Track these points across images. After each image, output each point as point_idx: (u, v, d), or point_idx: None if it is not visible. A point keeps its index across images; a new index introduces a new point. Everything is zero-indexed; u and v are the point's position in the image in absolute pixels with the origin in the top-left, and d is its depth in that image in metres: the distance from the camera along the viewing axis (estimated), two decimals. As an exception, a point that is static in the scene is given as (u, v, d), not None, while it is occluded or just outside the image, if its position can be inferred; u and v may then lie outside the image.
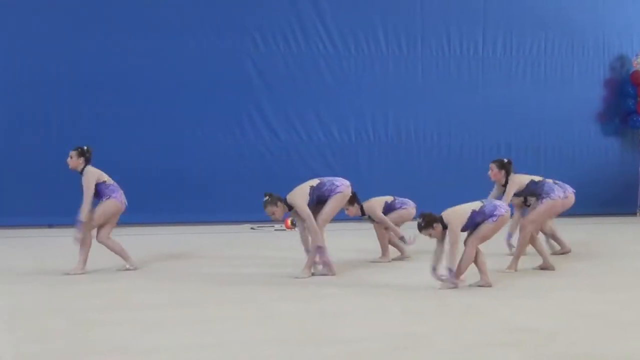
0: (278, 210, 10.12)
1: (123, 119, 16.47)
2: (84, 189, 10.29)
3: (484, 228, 9.31)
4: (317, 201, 10.30)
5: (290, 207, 10.17)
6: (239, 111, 17.14)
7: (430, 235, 9.22)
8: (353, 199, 11.13)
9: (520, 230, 10.80)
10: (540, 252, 10.96)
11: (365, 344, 6.86)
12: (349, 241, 13.96)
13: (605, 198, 18.69)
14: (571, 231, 15.76)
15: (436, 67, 18.04)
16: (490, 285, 9.35)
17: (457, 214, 9.26)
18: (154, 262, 11.66)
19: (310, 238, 10.33)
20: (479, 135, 18.10)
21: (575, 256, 12.43)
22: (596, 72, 18.97)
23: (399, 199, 11.72)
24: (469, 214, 9.24)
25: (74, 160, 10.42)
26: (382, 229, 11.57)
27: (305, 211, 10.06)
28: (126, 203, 10.61)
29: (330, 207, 10.26)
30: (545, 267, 10.82)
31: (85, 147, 10.51)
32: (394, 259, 11.59)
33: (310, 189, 10.32)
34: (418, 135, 18.00)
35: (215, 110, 17.09)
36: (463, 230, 9.34)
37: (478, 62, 18.25)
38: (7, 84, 16.08)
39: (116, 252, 10.76)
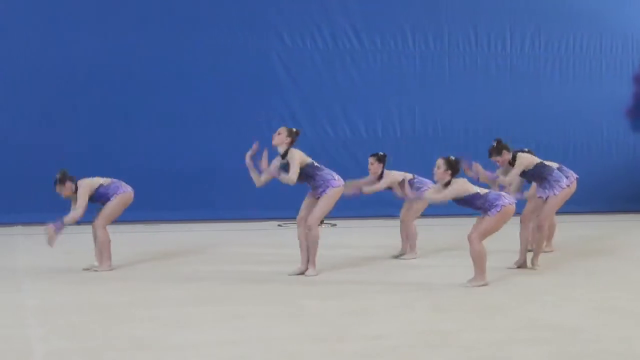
0: None
1: (152, 117, 16.61)
2: (80, 200, 10.43)
3: (486, 222, 9.22)
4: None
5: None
6: (266, 107, 17.20)
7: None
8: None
9: (539, 230, 10.75)
10: (523, 249, 10.86)
11: (391, 341, 6.87)
12: (372, 238, 14.03)
13: (634, 195, 18.65)
14: (598, 228, 15.79)
15: (463, 63, 18.05)
16: (486, 284, 9.33)
17: (463, 185, 9.31)
18: (179, 259, 11.75)
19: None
20: (506, 131, 17.99)
21: (598, 252, 12.44)
22: (625, 69, 18.87)
23: (418, 178, 11.65)
24: (472, 192, 9.22)
25: (67, 190, 10.54)
26: (410, 223, 11.56)
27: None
28: (132, 190, 10.81)
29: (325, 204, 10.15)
30: (521, 264, 10.79)
31: (62, 171, 10.61)
32: (395, 257, 11.60)
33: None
34: (445, 131, 18.00)
35: (241, 106, 17.15)
36: (458, 203, 9.38)
37: (506, 59, 18.24)
38: (31, 81, 16.22)
39: (99, 247, 10.64)
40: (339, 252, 12.12)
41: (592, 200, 17.99)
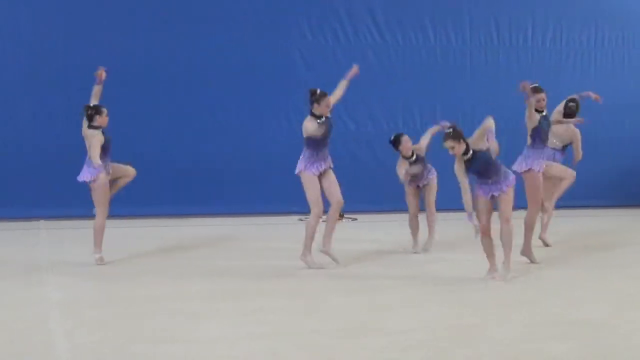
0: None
1: (175, 113, 16.63)
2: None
3: (504, 204, 9.29)
4: None
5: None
6: (287, 102, 17.17)
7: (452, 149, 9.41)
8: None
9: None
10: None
11: (416, 335, 6.92)
12: (392, 231, 13.95)
13: None
14: (618, 221, 15.80)
15: (485, 57, 18.01)
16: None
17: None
18: (203, 252, 11.77)
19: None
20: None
21: (624, 245, 12.50)
22: None
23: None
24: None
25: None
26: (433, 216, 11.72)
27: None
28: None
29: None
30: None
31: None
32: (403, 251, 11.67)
33: None
34: (466, 125, 17.89)
35: (263, 101, 17.16)
36: (478, 173, 9.42)
37: (527, 52, 18.18)
38: (52, 80, 16.28)
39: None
40: (361, 246, 12.15)
41: (614, 194, 18.13)
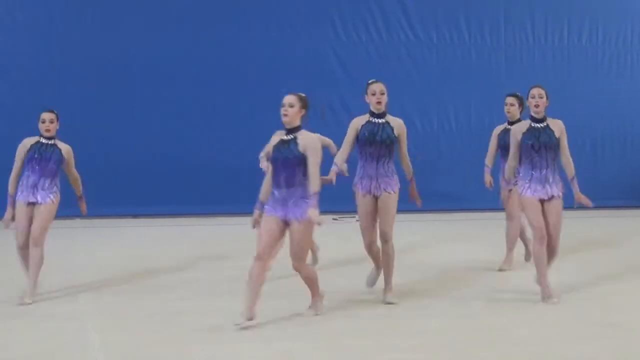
0: None
1: (206, 112, 16.85)
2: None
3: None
4: None
5: None
6: (321, 100, 17.11)
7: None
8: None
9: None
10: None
11: (446, 336, 7.04)
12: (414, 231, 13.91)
13: None
14: None
15: (519, 56, 18.01)
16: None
17: None
18: (239, 250, 11.55)
19: None
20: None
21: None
22: None
23: None
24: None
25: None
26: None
27: None
28: None
29: None
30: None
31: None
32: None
33: None
34: (501, 124, 17.96)
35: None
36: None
37: (563, 51, 18.16)
38: (74, 77, 16.45)
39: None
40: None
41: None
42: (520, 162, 8.77)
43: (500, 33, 17.89)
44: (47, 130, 8.91)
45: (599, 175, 17.70)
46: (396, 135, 8.53)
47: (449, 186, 17.41)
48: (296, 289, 8.62)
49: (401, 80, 17.46)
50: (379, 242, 8.76)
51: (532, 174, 8.59)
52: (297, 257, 7.70)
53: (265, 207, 7.78)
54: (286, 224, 7.66)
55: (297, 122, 7.69)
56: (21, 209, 8.78)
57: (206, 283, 9.75)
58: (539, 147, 8.52)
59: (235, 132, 16.79)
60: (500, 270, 10.27)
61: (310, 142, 7.59)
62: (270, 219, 7.68)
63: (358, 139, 8.65)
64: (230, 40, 16.85)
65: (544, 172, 8.54)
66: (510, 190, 10.09)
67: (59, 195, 8.96)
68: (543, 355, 6.57)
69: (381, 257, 8.81)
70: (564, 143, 8.63)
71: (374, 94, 8.60)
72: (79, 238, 13.97)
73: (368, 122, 8.60)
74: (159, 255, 11.71)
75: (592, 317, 7.90)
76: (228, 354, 6.66)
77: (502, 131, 10.47)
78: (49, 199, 8.79)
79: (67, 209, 15.61)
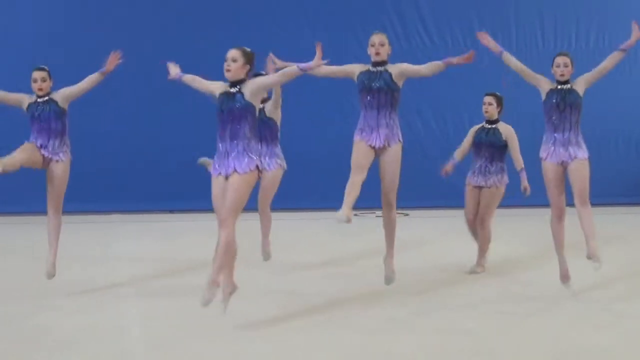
0: None
1: None
2: None
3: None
4: None
5: None
6: (345, 104, 17.40)
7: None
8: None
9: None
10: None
11: (474, 335, 7.20)
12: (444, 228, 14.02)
13: None
14: None
15: (530, 60, 18.29)
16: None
17: None
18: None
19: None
20: None
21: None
22: None
23: None
24: None
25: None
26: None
27: None
28: None
29: None
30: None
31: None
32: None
33: None
34: (516, 125, 18.33)
35: (320, 104, 17.61)
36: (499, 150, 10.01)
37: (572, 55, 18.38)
38: (128, 82, 16.41)
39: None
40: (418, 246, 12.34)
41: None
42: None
43: (512, 38, 18.33)
44: (40, 89, 8.47)
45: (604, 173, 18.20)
46: (395, 81, 8.31)
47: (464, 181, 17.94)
48: (298, 288, 8.94)
49: (418, 82, 17.96)
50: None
51: (554, 136, 8.47)
52: (229, 209, 7.11)
53: (213, 165, 7.38)
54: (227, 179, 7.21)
55: (242, 77, 7.31)
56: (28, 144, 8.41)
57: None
58: (564, 106, 8.41)
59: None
60: (471, 273, 10.06)
61: (251, 84, 7.31)
62: (216, 184, 7.30)
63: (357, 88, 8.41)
64: (263, 46, 16.91)
65: (567, 134, 8.39)
66: (481, 188, 10.07)
67: (69, 155, 8.62)
68: (558, 344, 6.82)
69: (382, 223, 8.53)
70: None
71: (373, 45, 8.45)
72: (118, 231, 14.34)
73: (367, 70, 8.36)
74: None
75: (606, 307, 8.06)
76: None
77: (478, 129, 10.35)
78: (60, 159, 8.48)
79: (108, 204, 16.44)
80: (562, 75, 8.48)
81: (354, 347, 6.77)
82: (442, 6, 18.23)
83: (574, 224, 8.72)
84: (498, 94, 10.56)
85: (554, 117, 8.43)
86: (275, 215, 10.44)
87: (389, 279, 8.62)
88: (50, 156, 8.42)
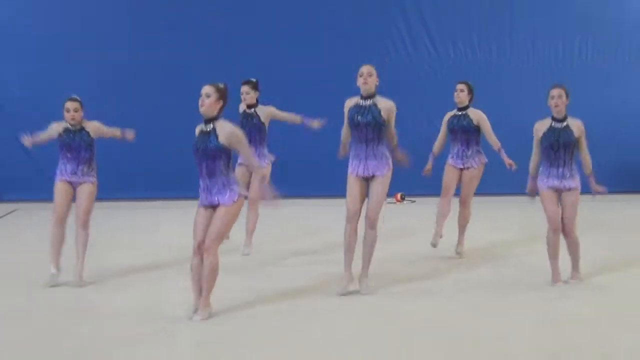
0: None
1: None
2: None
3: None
4: None
5: None
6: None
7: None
8: None
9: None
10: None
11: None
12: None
13: None
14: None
15: (522, 69, 18.17)
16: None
17: None
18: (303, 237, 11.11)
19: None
20: None
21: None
22: None
23: None
24: None
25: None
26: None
27: None
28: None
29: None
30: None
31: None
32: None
33: None
34: (512, 135, 17.87)
35: (337, 107, 17.24)
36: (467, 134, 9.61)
37: (561, 64, 18.27)
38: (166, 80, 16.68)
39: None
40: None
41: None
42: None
43: (506, 50, 18.05)
44: (73, 119, 8.13)
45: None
46: (384, 117, 7.71)
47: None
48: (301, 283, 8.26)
49: (424, 88, 17.72)
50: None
51: (549, 170, 8.05)
52: (213, 237, 6.81)
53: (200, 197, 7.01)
54: (213, 209, 6.91)
55: (214, 113, 6.84)
56: (61, 187, 8.15)
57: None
58: (557, 147, 7.94)
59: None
60: (458, 253, 9.71)
61: (229, 132, 6.82)
62: (201, 213, 6.96)
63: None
64: (259, 60, 16.80)
65: (561, 169, 7.99)
66: (462, 170, 9.64)
67: (96, 178, 8.29)
68: (545, 315, 6.76)
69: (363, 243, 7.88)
70: (583, 142, 8.04)
71: (361, 76, 7.86)
72: (163, 217, 13.92)
73: (356, 104, 7.84)
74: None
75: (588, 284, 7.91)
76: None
77: (451, 116, 9.87)
78: (88, 181, 8.17)
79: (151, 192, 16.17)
80: (556, 105, 7.97)
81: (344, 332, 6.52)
82: (446, 22, 17.89)
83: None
84: (469, 82, 10.00)
85: (549, 155, 8.06)
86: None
87: (364, 292, 7.94)
88: (78, 181, 8.18)
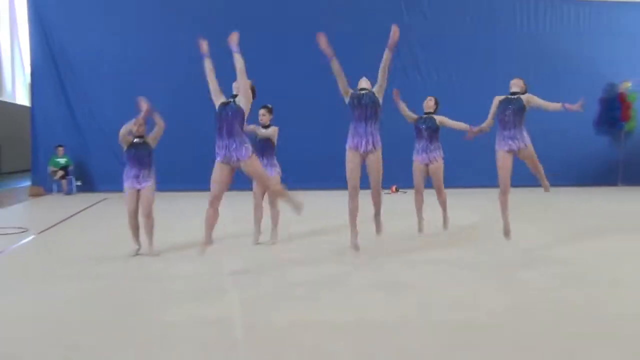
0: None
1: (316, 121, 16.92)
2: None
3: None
4: None
5: None
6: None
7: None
8: None
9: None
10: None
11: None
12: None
13: (596, 174, 18.59)
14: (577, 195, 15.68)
15: (485, 93, 17.73)
16: None
17: None
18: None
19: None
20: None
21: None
22: (595, 94, 18.61)
23: None
24: None
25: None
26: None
27: None
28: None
29: None
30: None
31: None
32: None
33: None
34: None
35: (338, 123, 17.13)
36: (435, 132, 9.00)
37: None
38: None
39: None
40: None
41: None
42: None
43: (475, 76, 17.91)
44: (138, 131, 7.78)
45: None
46: (377, 96, 7.48)
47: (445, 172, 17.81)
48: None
49: (414, 105, 17.60)
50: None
51: (503, 134, 7.77)
52: (264, 181, 6.66)
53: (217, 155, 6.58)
54: (231, 168, 6.54)
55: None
56: (129, 193, 7.76)
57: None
58: (510, 111, 7.68)
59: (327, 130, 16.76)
60: (445, 229, 9.28)
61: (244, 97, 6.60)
62: (217, 168, 6.55)
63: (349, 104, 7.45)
64: (299, 75, 16.67)
65: (512, 131, 7.71)
66: (427, 165, 9.10)
67: (154, 179, 7.83)
68: (499, 280, 6.43)
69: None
70: (538, 101, 7.70)
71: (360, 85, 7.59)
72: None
73: (356, 91, 7.58)
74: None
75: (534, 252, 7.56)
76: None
77: (417, 119, 9.47)
78: (148, 183, 7.75)
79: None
80: (512, 86, 7.99)
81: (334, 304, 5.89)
82: (436, 55, 17.88)
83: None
84: (437, 98, 9.64)
85: (503, 119, 7.78)
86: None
87: (379, 230, 7.84)
88: (141, 184, 7.76)
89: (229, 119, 6.49)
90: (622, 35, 18.59)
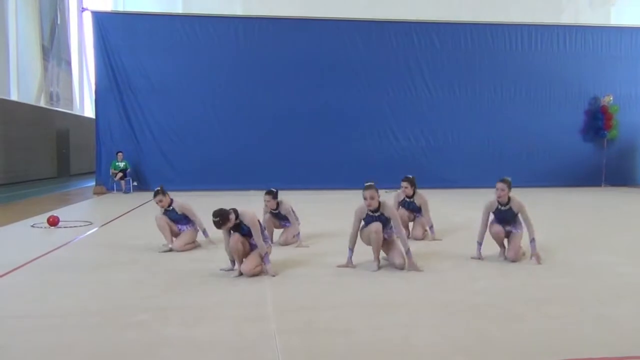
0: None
1: (321, 140, 17.02)
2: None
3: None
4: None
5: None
6: (379, 130, 17.47)
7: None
8: None
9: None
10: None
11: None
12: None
13: (582, 176, 18.37)
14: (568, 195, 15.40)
15: (489, 105, 17.94)
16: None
17: None
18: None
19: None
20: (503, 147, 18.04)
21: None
22: (581, 106, 18.49)
23: None
24: None
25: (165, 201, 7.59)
26: None
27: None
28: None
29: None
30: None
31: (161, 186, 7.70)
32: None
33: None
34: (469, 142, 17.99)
35: (365, 130, 17.30)
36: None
37: (512, 102, 18.03)
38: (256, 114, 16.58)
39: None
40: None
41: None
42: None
43: (476, 92, 17.88)
44: (162, 206, 7.57)
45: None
46: (387, 216, 6.33)
47: (449, 174, 17.72)
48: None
49: (423, 118, 17.67)
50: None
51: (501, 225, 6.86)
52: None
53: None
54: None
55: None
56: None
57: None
58: (504, 221, 6.83)
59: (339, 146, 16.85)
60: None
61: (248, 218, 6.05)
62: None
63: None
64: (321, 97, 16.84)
65: (508, 227, 6.88)
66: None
67: (194, 229, 7.61)
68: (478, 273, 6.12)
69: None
70: (525, 215, 6.72)
71: (365, 199, 6.29)
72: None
73: (367, 215, 6.36)
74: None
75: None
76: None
77: (401, 201, 8.37)
78: (184, 229, 7.60)
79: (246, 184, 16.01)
80: (499, 197, 6.75)
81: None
82: (436, 73, 17.69)
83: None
84: (413, 179, 8.27)
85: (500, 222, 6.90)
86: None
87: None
88: (179, 229, 7.56)
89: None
90: (604, 56, 18.39)
